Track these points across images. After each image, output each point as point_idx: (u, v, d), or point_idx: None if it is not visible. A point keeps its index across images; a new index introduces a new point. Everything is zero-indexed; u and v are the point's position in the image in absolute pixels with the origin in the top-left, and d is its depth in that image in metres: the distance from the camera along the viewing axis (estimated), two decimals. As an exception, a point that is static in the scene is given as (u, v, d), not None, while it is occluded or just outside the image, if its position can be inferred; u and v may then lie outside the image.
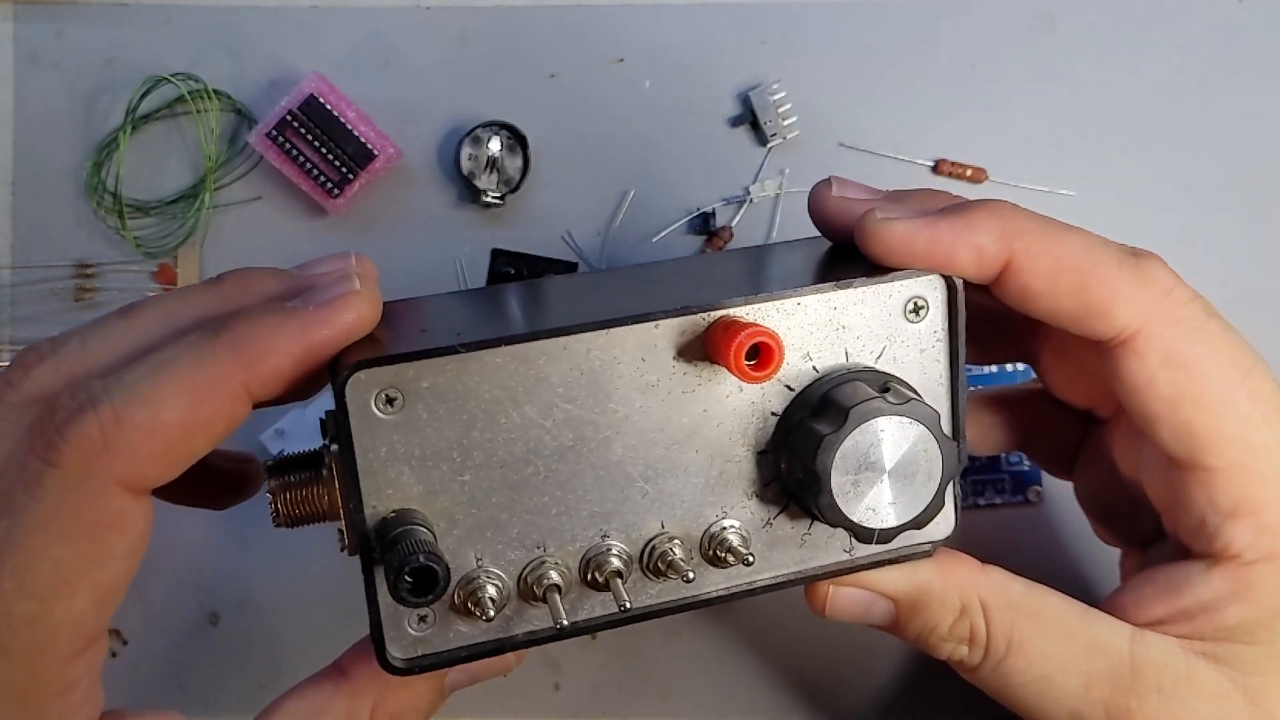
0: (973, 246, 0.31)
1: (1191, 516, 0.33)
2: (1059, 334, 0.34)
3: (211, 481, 0.37)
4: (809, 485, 0.30)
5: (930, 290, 0.32)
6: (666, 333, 0.30)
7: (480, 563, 0.30)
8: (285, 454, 0.31)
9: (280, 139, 0.45)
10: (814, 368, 0.31)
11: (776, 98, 0.47)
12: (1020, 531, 0.47)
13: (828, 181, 0.34)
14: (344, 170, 0.46)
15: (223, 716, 0.47)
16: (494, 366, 0.29)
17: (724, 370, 0.30)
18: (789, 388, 0.31)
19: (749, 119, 0.48)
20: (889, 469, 0.30)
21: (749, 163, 0.48)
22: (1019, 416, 0.41)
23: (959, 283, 0.31)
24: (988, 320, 0.36)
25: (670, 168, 0.48)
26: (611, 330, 0.29)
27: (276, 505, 0.30)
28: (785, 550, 0.32)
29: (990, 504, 0.47)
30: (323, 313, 0.29)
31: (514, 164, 0.47)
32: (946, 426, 0.32)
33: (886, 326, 0.31)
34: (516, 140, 0.47)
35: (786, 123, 0.47)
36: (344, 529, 0.29)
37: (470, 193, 0.47)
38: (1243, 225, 0.48)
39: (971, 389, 0.45)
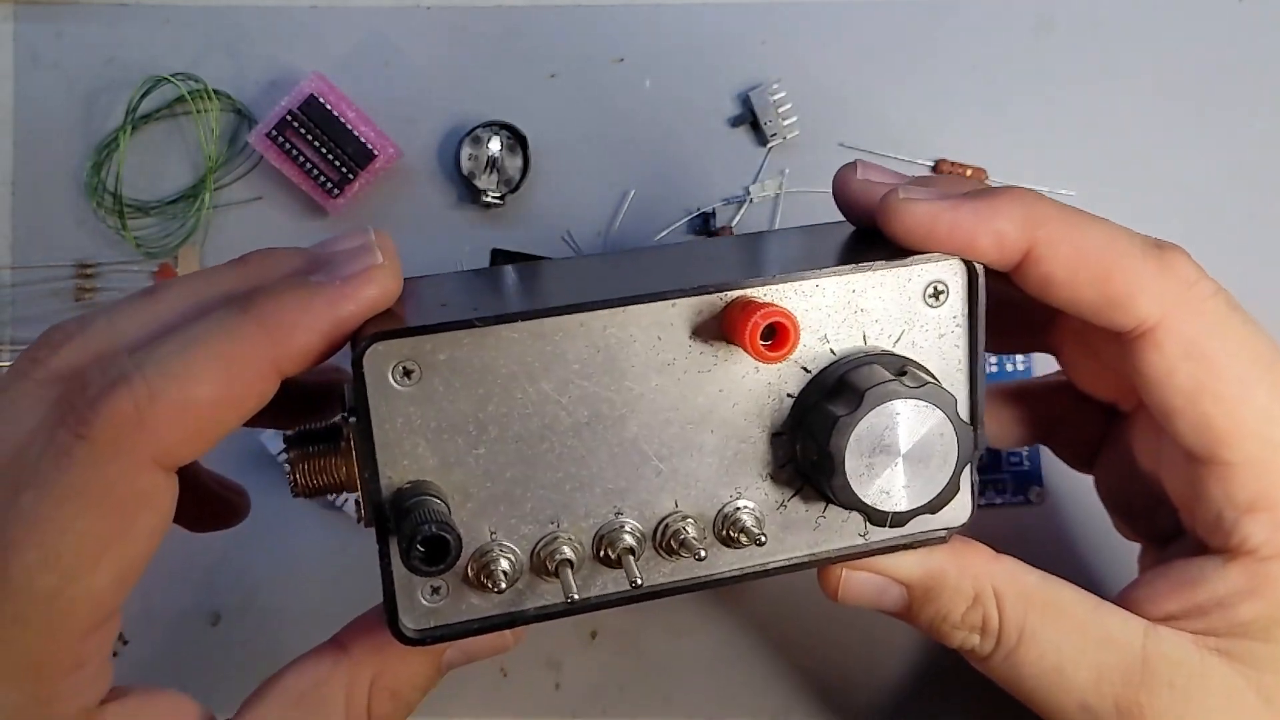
0: (994, 232, 0.31)
1: (1208, 511, 0.33)
2: (1082, 326, 0.33)
3: (199, 505, 0.37)
4: (823, 467, 0.30)
5: (951, 275, 0.31)
6: (683, 312, 0.30)
7: (494, 536, 0.30)
8: (306, 427, 0.31)
9: (280, 139, 0.45)
10: (831, 350, 0.31)
11: (776, 98, 0.47)
12: (1021, 531, 0.47)
13: (853, 165, 0.34)
14: (344, 170, 0.46)
15: (223, 716, 0.47)
16: (510, 341, 0.29)
17: (740, 351, 0.30)
18: (805, 370, 0.31)
19: (749, 119, 0.48)
20: (904, 452, 0.30)
21: (749, 163, 0.48)
22: (1041, 409, 0.41)
23: (980, 268, 0.31)
24: (1010, 310, 0.35)
25: (670, 168, 0.48)
26: (628, 308, 0.30)
27: (295, 475, 0.31)
28: (799, 533, 0.32)
29: (991, 504, 0.47)
30: (348, 288, 0.29)
31: (514, 164, 0.47)
32: (964, 412, 0.32)
33: (905, 310, 0.31)
34: (516, 140, 0.47)
35: (786, 123, 0.47)
36: (360, 500, 0.30)
37: (470, 193, 0.47)
38: (1243, 225, 0.48)
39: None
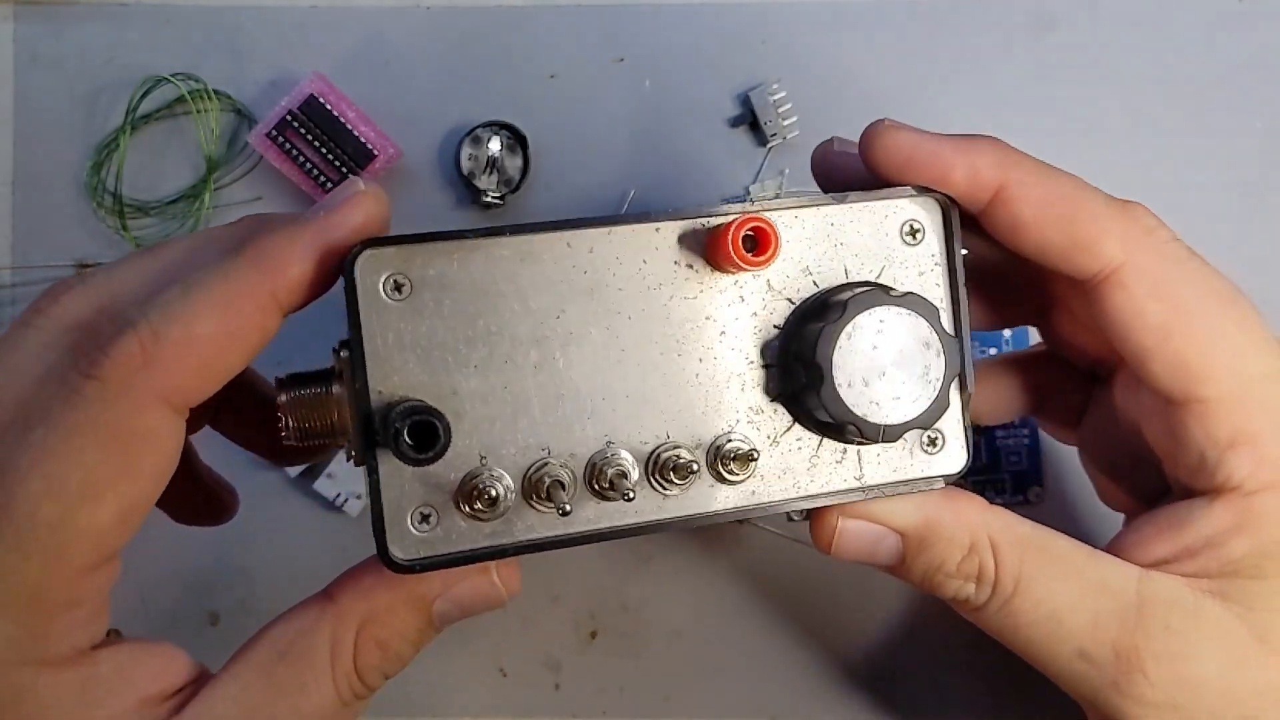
0: (969, 166, 0.32)
1: (1190, 453, 0.33)
2: (1062, 289, 0.34)
3: (192, 496, 0.38)
4: (812, 382, 0.30)
5: (926, 214, 0.32)
6: (668, 237, 0.31)
7: (484, 460, 0.30)
8: (298, 371, 0.31)
9: (280, 139, 0.45)
10: (814, 283, 0.32)
11: (776, 98, 0.47)
12: (1020, 531, 0.47)
13: (830, 140, 0.35)
14: (344, 170, 0.46)
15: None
16: (499, 259, 0.30)
17: (725, 278, 0.31)
18: (790, 301, 0.32)
19: (749, 119, 0.48)
20: (891, 361, 0.30)
21: (749, 163, 0.48)
22: (1029, 380, 0.41)
23: (954, 207, 0.32)
24: (994, 281, 0.36)
25: (670, 168, 0.48)
26: (614, 228, 0.30)
27: (287, 420, 0.31)
28: (794, 473, 0.32)
29: (991, 503, 0.47)
30: (334, 215, 0.30)
31: (514, 164, 0.47)
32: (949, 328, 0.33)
33: (884, 247, 0.32)
34: (516, 140, 0.47)
35: (786, 123, 0.47)
36: (351, 440, 0.30)
37: (470, 193, 0.47)
38: (1243, 225, 0.48)
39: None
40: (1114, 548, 0.35)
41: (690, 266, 0.31)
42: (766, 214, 0.31)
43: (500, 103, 0.47)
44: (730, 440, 0.31)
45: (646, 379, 0.31)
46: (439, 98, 0.47)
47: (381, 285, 0.29)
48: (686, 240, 0.31)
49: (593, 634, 0.48)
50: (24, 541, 0.27)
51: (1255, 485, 0.32)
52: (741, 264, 0.30)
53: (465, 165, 0.47)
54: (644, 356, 0.31)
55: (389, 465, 0.30)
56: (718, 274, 0.31)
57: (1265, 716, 0.33)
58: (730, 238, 0.29)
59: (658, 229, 0.31)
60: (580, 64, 0.48)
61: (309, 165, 0.46)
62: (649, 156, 0.48)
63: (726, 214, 0.31)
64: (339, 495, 0.46)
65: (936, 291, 0.33)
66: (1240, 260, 0.48)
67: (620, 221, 0.30)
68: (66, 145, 0.47)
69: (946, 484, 0.33)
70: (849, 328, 0.30)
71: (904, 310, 0.30)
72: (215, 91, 0.47)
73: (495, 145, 0.46)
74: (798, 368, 0.31)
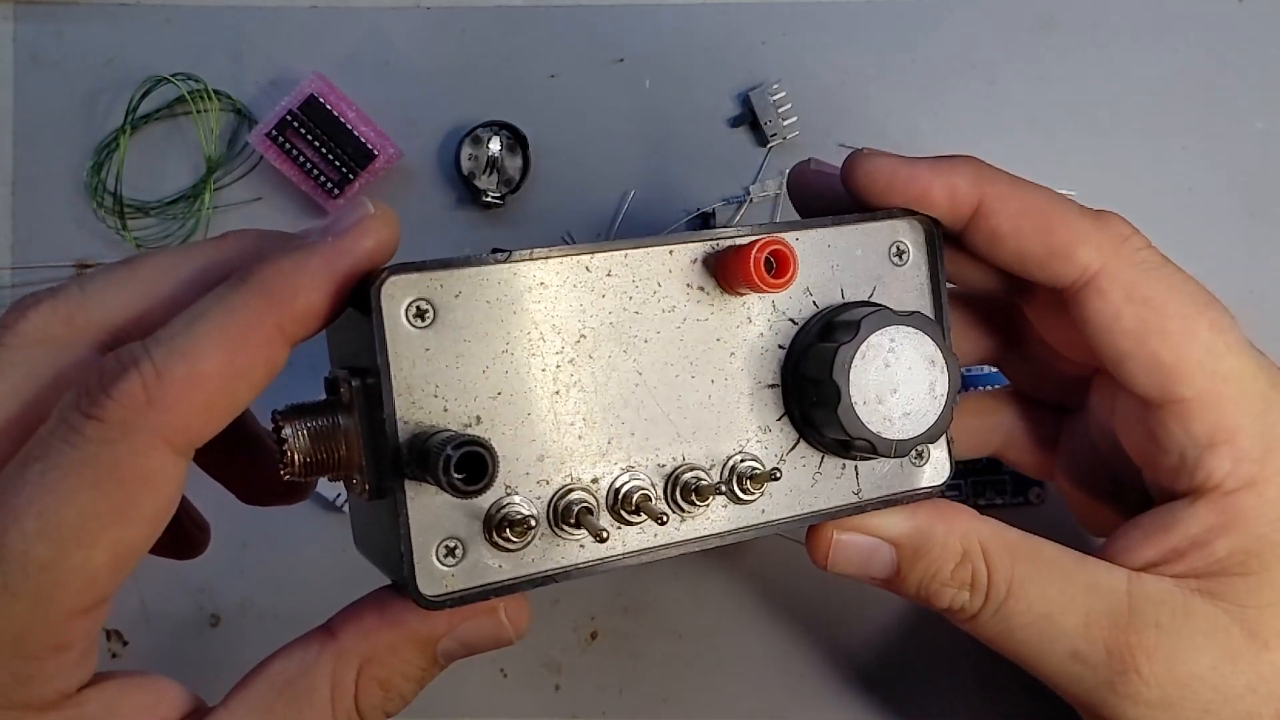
0: (948, 185, 0.33)
1: (1171, 455, 0.34)
2: (1038, 308, 0.36)
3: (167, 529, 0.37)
4: (826, 401, 0.31)
5: (909, 235, 0.34)
6: (681, 260, 0.31)
7: (510, 489, 0.30)
8: (299, 402, 0.30)
9: (280, 139, 0.45)
10: (814, 303, 0.33)
11: (776, 98, 0.47)
12: (1021, 531, 0.47)
13: (807, 161, 0.37)
14: (344, 170, 0.46)
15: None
16: (518, 284, 0.30)
17: (731, 300, 0.32)
18: (793, 321, 0.33)
19: (749, 119, 0.48)
20: (901, 379, 0.31)
21: (749, 163, 0.48)
22: (993, 420, 0.42)
23: (936, 227, 0.34)
24: (960, 318, 0.38)
25: (670, 168, 0.48)
26: (630, 252, 0.31)
27: (292, 454, 0.29)
28: (797, 490, 0.33)
29: (991, 504, 0.47)
30: (343, 241, 0.29)
31: (514, 164, 0.47)
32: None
33: (875, 267, 0.33)
34: (516, 140, 0.47)
35: (786, 123, 0.47)
36: (362, 471, 0.29)
37: (470, 193, 0.47)
38: (1243, 225, 0.48)
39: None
40: (1102, 554, 0.35)
41: (702, 289, 0.32)
42: (781, 236, 0.31)
43: (500, 103, 0.47)
44: (743, 460, 0.32)
45: (663, 402, 0.31)
46: (439, 98, 0.47)
47: (404, 312, 0.28)
48: (699, 263, 0.31)
49: (593, 635, 0.48)
50: (13, 582, 0.26)
51: (1235, 483, 0.33)
52: (763, 286, 0.30)
53: (465, 165, 0.47)
54: (660, 379, 0.31)
55: (417, 499, 0.29)
56: (727, 296, 0.32)
57: (1258, 710, 0.33)
58: (752, 260, 0.30)
59: (671, 252, 0.31)
60: (580, 64, 0.48)
61: (309, 165, 0.46)
62: (649, 156, 0.48)
63: (739, 236, 0.31)
64: (339, 495, 0.46)
65: (925, 309, 0.34)
66: (1240, 260, 0.48)
67: (635, 244, 0.31)
68: (66, 145, 0.47)
69: (935, 494, 0.34)
70: (863, 347, 0.31)
71: (912, 329, 0.31)
72: (215, 91, 0.47)
73: (495, 145, 0.46)
74: (807, 386, 0.32)
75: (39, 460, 0.27)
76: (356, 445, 0.29)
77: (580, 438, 0.31)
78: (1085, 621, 0.33)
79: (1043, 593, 0.34)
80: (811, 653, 0.48)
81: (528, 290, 0.30)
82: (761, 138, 0.48)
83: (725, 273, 0.31)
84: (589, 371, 0.31)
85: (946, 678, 0.47)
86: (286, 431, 0.29)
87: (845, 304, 0.33)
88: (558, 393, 0.30)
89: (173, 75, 0.46)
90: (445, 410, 0.29)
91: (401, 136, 0.47)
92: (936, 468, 0.34)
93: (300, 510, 0.47)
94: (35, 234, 0.47)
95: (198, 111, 0.46)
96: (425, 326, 0.29)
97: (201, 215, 0.47)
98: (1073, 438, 0.40)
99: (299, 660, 0.31)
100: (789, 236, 0.32)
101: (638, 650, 0.48)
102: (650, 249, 0.31)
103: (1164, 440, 0.34)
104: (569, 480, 0.31)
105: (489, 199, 0.46)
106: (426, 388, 0.29)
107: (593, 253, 0.30)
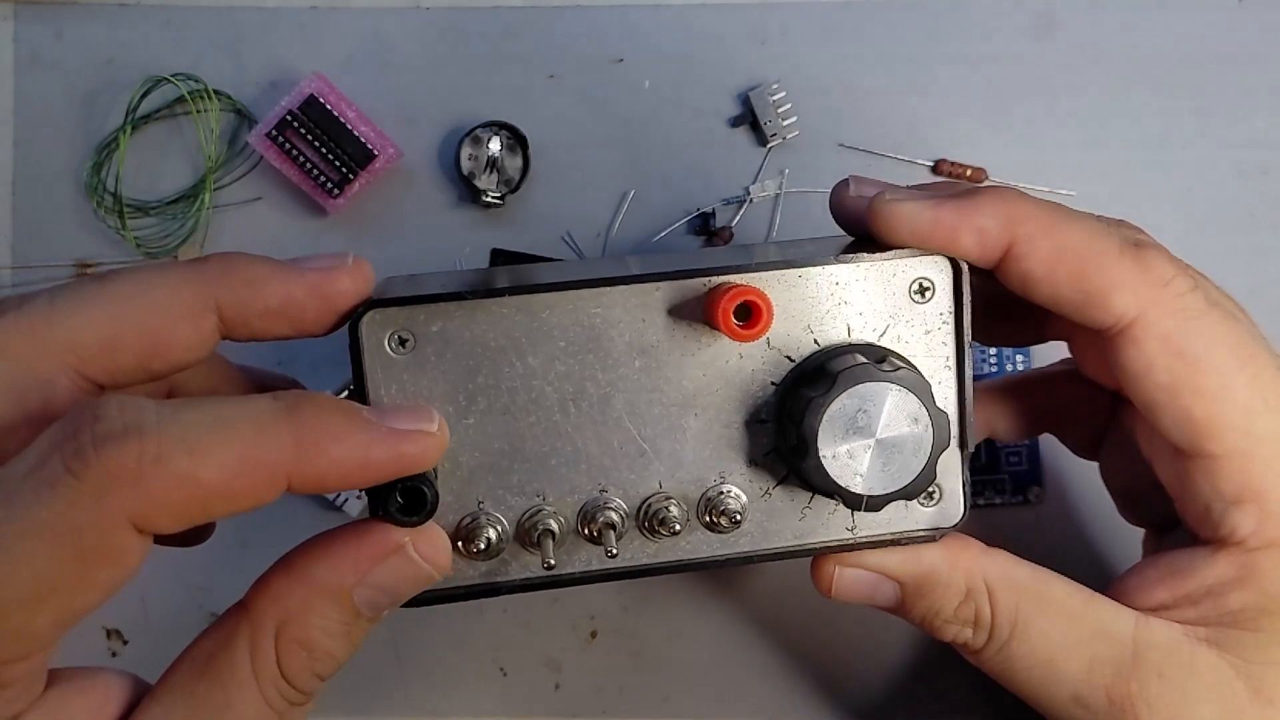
0: (975, 229, 0.31)
1: (1197, 503, 0.33)
2: (1078, 344, 0.34)
3: None
4: (799, 449, 0.31)
5: (936, 272, 0.32)
6: (667, 296, 0.31)
7: (481, 505, 0.32)
8: None
9: (280, 139, 0.45)
10: (815, 341, 0.32)
11: (776, 98, 0.47)
12: (1019, 532, 0.47)
13: (846, 181, 0.35)
14: (344, 170, 0.46)
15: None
16: (500, 316, 0.31)
17: (723, 337, 0.31)
18: (789, 358, 0.32)
19: (749, 119, 0.48)
20: (878, 436, 0.30)
21: (749, 163, 0.48)
22: (1046, 399, 0.41)
23: (964, 265, 0.32)
24: (1020, 302, 0.36)
25: (670, 168, 0.48)
26: (614, 289, 0.31)
27: None
28: (784, 522, 0.33)
29: (990, 504, 0.47)
30: (394, 441, 0.28)
31: (514, 164, 0.47)
32: (949, 405, 0.33)
33: (890, 305, 0.32)
34: (516, 140, 0.47)
35: (786, 123, 0.47)
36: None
37: (470, 193, 0.47)
38: (1243, 225, 0.48)
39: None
40: (1116, 589, 0.35)
41: (689, 324, 0.31)
42: (770, 275, 0.31)
43: (500, 103, 0.47)
44: (721, 492, 0.32)
45: (642, 431, 0.32)
46: (439, 98, 0.47)
47: (386, 340, 0.30)
48: (686, 300, 0.31)
49: (593, 634, 0.48)
50: None
51: (1259, 542, 0.32)
52: (731, 334, 0.30)
53: (465, 165, 0.47)
54: (640, 410, 0.32)
55: None
56: (716, 333, 0.31)
57: None
58: (721, 308, 0.30)
59: (658, 289, 0.31)
60: (580, 64, 0.48)
61: (309, 165, 0.46)
62: (649, 156, 0.48)
63: (725, 277, 0.31)
64: (339, 495, 0.46)
65: (944, 350, 0.33)
66: (1240, 260, 0.48)
67: (620, 282, 0.31)
68: (66, 145, 0.47)
69: (939, 538, 0.34)
70: (836, 402, 0.30)
71: (894, 386, 0.30)
72: (215, 91, 0.47)
73: (495, 145, 0.46)
74: (790, 429, 0.31)
75: (4, 505, 0.25)
76: None
77: (553, 462, 0.32)
78: (1088, 666, 0.33)
79: (1046, 635, 0.33)
80: (811, 653, 0.48)
81: (508, 322, 0.31)
82: (761, 138, 0.48)
83: (706, 311, 0.31)
84: (565, 400, 0.31)
85: (946, 678, 0.47)
86: None
87: (845, 346, 0.32)
88: (534, 418, 0.31)
89: (173, 75, 0.46)
90: None
91: (401, 136, 0.47)
92: (947, 510, 0.33)
93: (300, 510, 0.47)
94: (35, 234, 0.47)
95: (198, 111, 0.46)
96: (406, 353, 0.30)
97: (201, 215, 0.47)
98: (1119, 434, 0.40)
99: (216, 638, 0.30)
100: (791, 273, 0.31)
101: (638, 650, 0.48)
102: (636, 285, 0.31)
103: (1191, 488, 0.33)
104: (539, 500, 0.32)
105: (489, 199, 0.46)
106: None
107: (577, 288, 0.31)
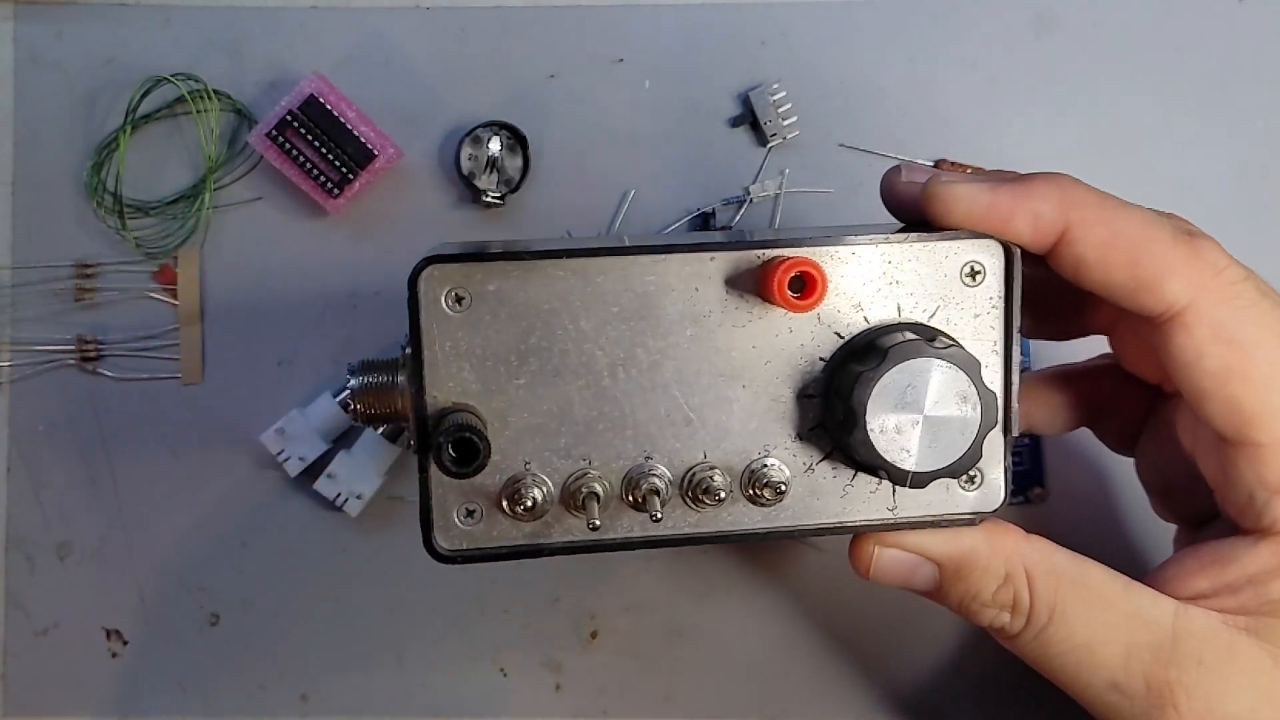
0: (1030, 213, 0.32)
1: (1240, 492, 0.33)
2: (1121, 335, 0.34)
3: None
4: (846, 422, 0.31)
5: (988, 256, 0.32)
6: (721, 267, 0.32)
7: (528, 466, 0.32)
8: (369, 358, 0.33)
9: (280, 139, 0.45)
10: (865, 319, 0.32)
11: (776, 98, 0.47)
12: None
13: (897, 168, 0.35)
14: (344, 170, 0.46)
15: (223, 717, 0.47)
16: (555, 279, 0.31)
17: (775, 310, 0.32)
18: (839, 335, 0.32)
19: (749, 119, 0.48)
20: (926, 412, 0.31)
21: (749, 163, 0.48)
22: (1085, 393, 0.41)
23: (1016, 250, 0.32)
24: (1062, 293, 0.36)
25: (670, 168, 0.48)
26: (669, 257, 0.31)
27: (355, 404, 0.33)
28: (826, 499, 0.33)
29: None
30: None
31: (514, 164, 0.47)
32: (996, 386, 0.33)
33: (941, 287, 0.32)
34: (516, 140, 0.47)
35: (786, 123, 0.47)
36: (410, 431, 0.32)
37: (470, 193, 0.47)
38: (1243, 225, 0.48)
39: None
40: (1154, 578, 0.35)
41: (741, 296, 0.32)
42: (823, 250, 0.31)
43: (500, 103, 0.47)
44: (765, 465, 0.32)
45: (689, 400, 0.32)
46: (439, 98, 0.47)
47: (443, 297, 0.31)
48: (739, 271, 0.32)
49: (593, 634, 0.48)
50: None
51: None
52: (786, 305, 0.30)
53: (465, 165, 0.47)
54: (688, 379, 0.32)
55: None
56: (767, 306, 0.32)
57: None
58: (777, 279, 0.30)
59: (712, 259, 0.31)
60: (580, 64, 0.48)
61: (309, 165, 0.46)
62: (649, 156, 0.48)
63: (779, 250, 0.31)
64: (339, 495, 0.46)
65: (991, 334, 0.33)
66: (1241, 259, 0.48)
67: (675, 250, 0.31)
68: (66, 145, 0.47)
69: (979, 521, 0.34)
70: (886, 377, 0.30)
71: (944, 363, 0.30)
72: (215, 91, 0.47)
73: (495, 145, 0.46)
74: (837, 404, 0.31)
75: None
76: (409, 402, 0.32)
77: (601, 426, 0.32)
78: (1126, 653, 0.33)
79: (1085, 621, 0.33)
80: (812, 653, 0.48)
81: (563, 284, 0.31)
82: (761, 138, 0.48)
83: (761, 285, 0.31)
84: (615, 365, 0.32)
85: (948, 678, 0.47)
86: (353, 382, 0.33)
87: (894, 324, 0.32)
88: (584, 381, 0.32)
89: (173, 75, 0.46)
90: (474, 389, 0.31)
91: (401, 136, 0.47)
92: (988, 493, 0.34)
93: (300, 510, 0.47)
94: (35, 234, 0.47)
95: (198, 111, 0.46)
96: (462, 311, 0.31)
97: (201, 215, 0.47)
98: (1156, 429, 0.40)
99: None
100: (844, 249, 0.32)
101: (638, 650, 0.48)
102: (691, 254, 0.31)
103: (1235, 477, 0.33)
104: (585, 464, 0.32)
105: (489, 199, 0.46)
106: (458, 367, 0.31)
107: (633, 254, 0.31)
